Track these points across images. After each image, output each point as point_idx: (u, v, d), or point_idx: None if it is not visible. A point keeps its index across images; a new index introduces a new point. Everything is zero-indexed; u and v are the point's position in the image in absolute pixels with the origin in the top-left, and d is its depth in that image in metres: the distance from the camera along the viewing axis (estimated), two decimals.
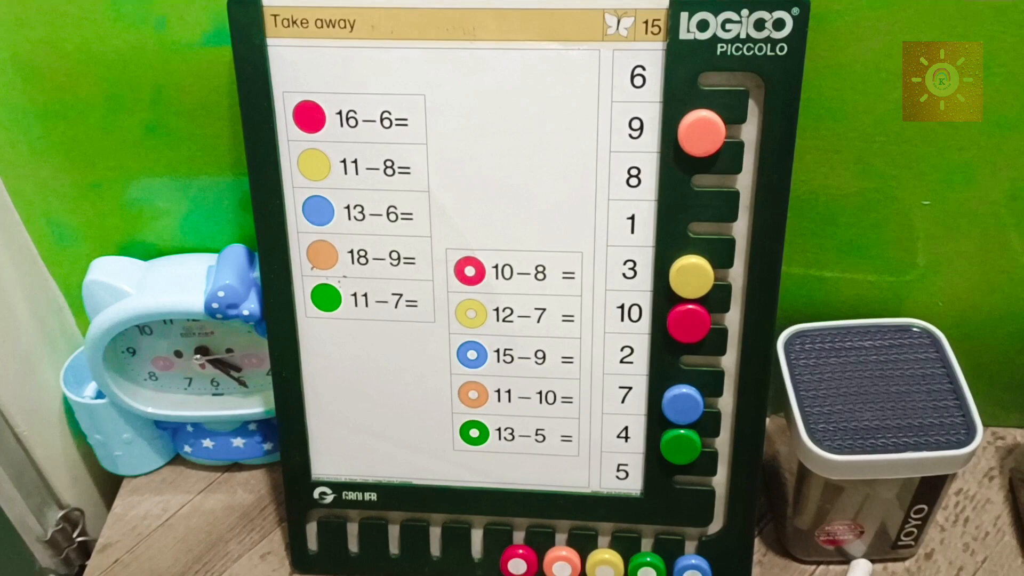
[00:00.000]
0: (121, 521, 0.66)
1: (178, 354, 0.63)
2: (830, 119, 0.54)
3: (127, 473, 0.68)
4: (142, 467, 0.68)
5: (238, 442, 0.66)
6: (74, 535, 0.69)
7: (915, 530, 0.58)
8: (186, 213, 0.61)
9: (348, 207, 0.53)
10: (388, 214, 0.53)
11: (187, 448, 0.67)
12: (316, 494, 0.59)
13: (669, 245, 0.51)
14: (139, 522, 0.66)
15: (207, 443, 0.66)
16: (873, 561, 0.60)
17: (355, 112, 0.50)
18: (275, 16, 0.48)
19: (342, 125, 0.51)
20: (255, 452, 0.67)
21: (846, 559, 0.61)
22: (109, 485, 0.70)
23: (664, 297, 0.52)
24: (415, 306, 0.55)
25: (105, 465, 0.68)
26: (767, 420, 0.56)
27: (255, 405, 0.64)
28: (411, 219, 0.53)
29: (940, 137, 0.54)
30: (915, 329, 0.59)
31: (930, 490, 0.55)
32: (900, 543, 0.59)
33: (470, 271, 0.53)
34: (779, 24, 0.46)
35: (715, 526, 0.58)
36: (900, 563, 0.61)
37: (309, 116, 0.51)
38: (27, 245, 0.63)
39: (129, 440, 0.65)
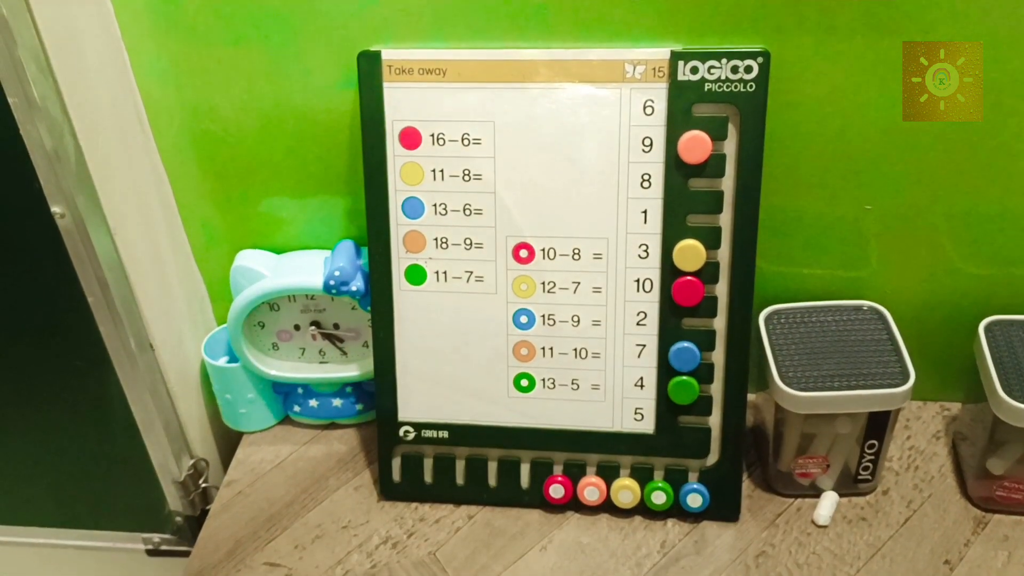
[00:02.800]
0: (243, 464, 0.83)
1: (296, 327, 0.81)
2: (788, 142, 0.72)
3: (247, 429, 0.85)
4: (260, 424, 0.85)
5: (337, 402, 0.83)
6: (200, 481, 0.86)
7: (871, 464, 0.74)
8: (307, 219, 0.81)
9: (435, 205, 0.72)
10: (464, 210, 0.71)
11: (296, 408, 0.85)
12: (401, 432, 0.77)
13: (672, 232, 0.69)
14: (257, 465, 0.83)
15: (312, 403, 0.84)
16: (841, 495, 0.76)
17: (443, 134, 0.70)
18: (390, 66, 0.69)
19: (433, 144, 0.70)
20: (350, 412, 0.84)
21: (818, 492, 0.76)
22: (228, 443, 0.87)
23: (669, 271, 0.70)
24: (482, 281, 0.73)
25: (229, 422, 0.86)
26: (755, 395, 0.72)
27: (352, 370, 0.82)
28: (481, 214, 0.71)
29: (874, 151, 0.71)
30: (865, 308, 0.75)
31: (878, 427, 0.71)
32: (859, 477, 0.75)
33: (524, 253, 0.72)
34: (748, 69, 0.65)
35: (712, 458, 0.74)
36: (862, 497, 0.76)
37: (410, 138, 0.70)
38: (184, 244, 0.82)
39: (252, 399, 0.83)
